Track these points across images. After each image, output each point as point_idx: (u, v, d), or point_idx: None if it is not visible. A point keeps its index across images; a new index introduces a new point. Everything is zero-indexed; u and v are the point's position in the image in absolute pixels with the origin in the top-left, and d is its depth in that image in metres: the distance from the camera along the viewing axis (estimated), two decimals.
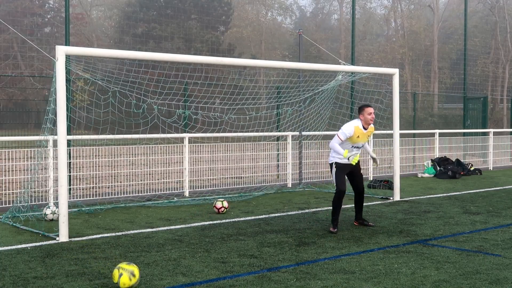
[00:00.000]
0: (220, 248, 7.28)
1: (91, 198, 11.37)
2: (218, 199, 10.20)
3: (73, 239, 7.83)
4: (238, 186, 13.28)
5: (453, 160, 17.29)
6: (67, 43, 11.92)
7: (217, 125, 12.04)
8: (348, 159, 8.35)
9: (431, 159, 17.16)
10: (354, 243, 7.65)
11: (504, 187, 13.98)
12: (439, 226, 8.79)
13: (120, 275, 5.53)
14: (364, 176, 8.90)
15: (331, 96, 12.99)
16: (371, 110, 8.58)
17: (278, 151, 14.52)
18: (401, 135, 14.68)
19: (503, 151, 20.63)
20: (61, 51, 7.93)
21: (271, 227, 8.71)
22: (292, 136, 14.06)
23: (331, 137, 8.90)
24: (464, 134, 19.97)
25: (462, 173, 16.57)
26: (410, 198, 11.99)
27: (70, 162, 11.15)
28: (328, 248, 7.34)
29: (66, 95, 8.09)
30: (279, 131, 14.33)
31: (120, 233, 8.24)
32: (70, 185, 11.08)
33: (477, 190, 13.36)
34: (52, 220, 9.05)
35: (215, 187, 13.01)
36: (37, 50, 23.20)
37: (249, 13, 51.94)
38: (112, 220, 9.27)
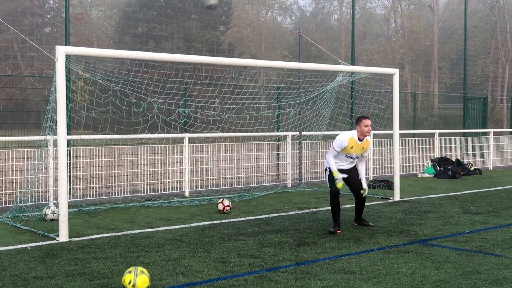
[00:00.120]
0: (220, 248, 7.28)
1: (91, 198, 11.37)
2: (225, 198, 10.37)
3: (73, 239, 7.83)
4: (238, 186, 13.28)
5: (453, 160, 17.29)
6: (67, 43, 11.92)
7: (216, 123, 12.04)
8: (335, 179, 8.36)
9: (431, 159, 17.15)
10: (354, 243, 7.65)
11: (504, 187, 13.97)
12: (439, 226, 8.79)
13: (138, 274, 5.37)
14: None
15: (331, 97, 13.00)
16: (368, 122, 8.48)
17: (278, 151, 14.52)
18: (401, 135, 14.67)
19: (503, 151, 20.62)
20: (61, 51, 7.93)
21: (271, 227, 8.71)
22: (292, 136, 14.06)
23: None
24: (464, 134, 19.96)
25: (462, 173, 16.56)
26: (410, 198, 11.99)
27: (70, 162, 11.15)
28: (328, 248, 7.34)
29: (67, 94, 8.09)
30: (279, 131, 14.33)
31: (120, 233, 8.24)
32: (70, 185, 11.08)
33: (477, 190, 13.36)
34: (52, 220, 9.06)
35: (215, 187, 13.00)
36: (37, 50, 23.21)
37: (249, 13, 51.99)
38: (112, 220, 9.27)
